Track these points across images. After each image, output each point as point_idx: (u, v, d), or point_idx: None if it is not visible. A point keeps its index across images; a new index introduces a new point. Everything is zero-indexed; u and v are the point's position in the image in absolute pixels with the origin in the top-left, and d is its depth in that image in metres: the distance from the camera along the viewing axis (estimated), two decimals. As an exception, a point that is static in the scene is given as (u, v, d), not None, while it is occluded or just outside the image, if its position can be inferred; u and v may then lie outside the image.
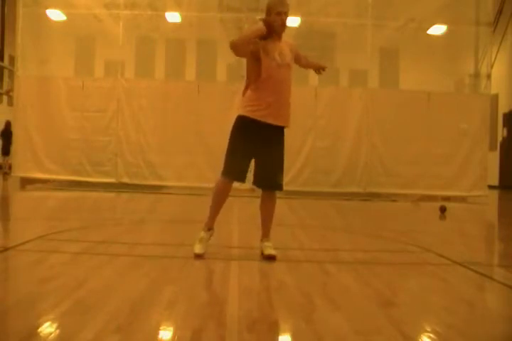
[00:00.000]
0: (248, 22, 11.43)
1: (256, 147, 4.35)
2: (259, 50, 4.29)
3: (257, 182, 4.48)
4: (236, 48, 4.26)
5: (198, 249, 4.36)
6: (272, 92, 4.28)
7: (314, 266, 4.28)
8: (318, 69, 4.60)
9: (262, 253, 4.38)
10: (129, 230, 6.05)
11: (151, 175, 11.52)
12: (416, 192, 11.43)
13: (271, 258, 4.28)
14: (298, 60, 4.62)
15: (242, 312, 2.91)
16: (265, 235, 4.50)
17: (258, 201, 4.54)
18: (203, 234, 4.43)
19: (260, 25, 4.28)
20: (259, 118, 4.28)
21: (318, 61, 4.72)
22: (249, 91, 4.38)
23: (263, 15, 4.37)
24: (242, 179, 4.39)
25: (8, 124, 15.94)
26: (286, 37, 4.49)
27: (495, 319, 3.08)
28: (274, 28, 4.30)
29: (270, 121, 4.30)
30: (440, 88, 11.80)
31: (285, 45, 4.44)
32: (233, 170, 4.36)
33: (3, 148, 16.58)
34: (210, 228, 4.47)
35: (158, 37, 13.01)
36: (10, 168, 13.50)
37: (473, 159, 11.50)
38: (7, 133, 15.92)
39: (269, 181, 4.45)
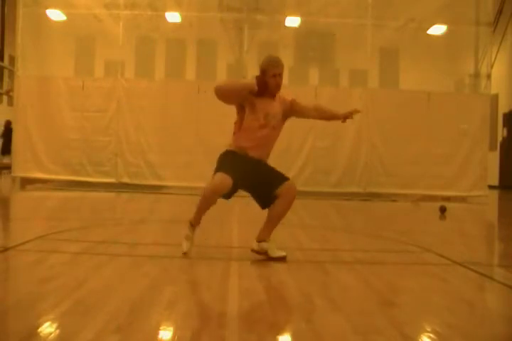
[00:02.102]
0: (248, 22, 11.44)
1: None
2: (245, 105, 4.33)
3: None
4: (220, 93, 4.27)
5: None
6: (249, 142, 4.34)
7: (314, 266, 4.28)
8: (346, 118, 4.36)
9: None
10: (129, 230, 6.05)
11: (151, 175, 11.51)
12: (416, 192, 11.42)
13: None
14: (301, 112, 4.52)
15: (242, 312, 2.91)
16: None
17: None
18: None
19: (253, 82, 4.28)
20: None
21: (341, 111, 4.39)
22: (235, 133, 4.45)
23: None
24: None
25: (8, 123, 15.93)
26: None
27: (495, 319, 3.08)
28: (268, 89, 4.30)
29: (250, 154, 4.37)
30: (440, 88, 11.80)
31: (278, 104, 4.41)
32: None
33: (3, 148, 16.57)
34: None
35: (158, 37, 13.00)
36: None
37: (473, 159, 11.49)
38: (8, 132, 15.91)
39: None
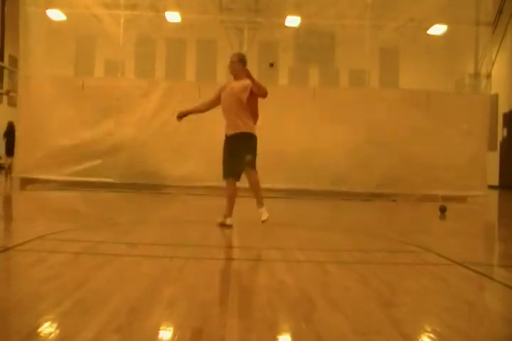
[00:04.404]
0: (247, 23, 11.44)
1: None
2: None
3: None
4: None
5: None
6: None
7: (314, 266, 4.28)
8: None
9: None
10: (129, 230, 6.04)
11: (151, 175, 11.52)
12: (416, 192, 11.42)
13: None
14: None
15: (242, 312, 2.91)
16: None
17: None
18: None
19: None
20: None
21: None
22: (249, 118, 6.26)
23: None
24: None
25: (10, 125, 15.92)
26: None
27: (495, 319, 3.08)
28: None
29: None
30: (440, 88, 11.80)
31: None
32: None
33: (7, 149, 16.56)
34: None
35: (159, 37, 13.01)
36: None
37: (473, 159, 11.49)
38: (10, 134, 15.90)
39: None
